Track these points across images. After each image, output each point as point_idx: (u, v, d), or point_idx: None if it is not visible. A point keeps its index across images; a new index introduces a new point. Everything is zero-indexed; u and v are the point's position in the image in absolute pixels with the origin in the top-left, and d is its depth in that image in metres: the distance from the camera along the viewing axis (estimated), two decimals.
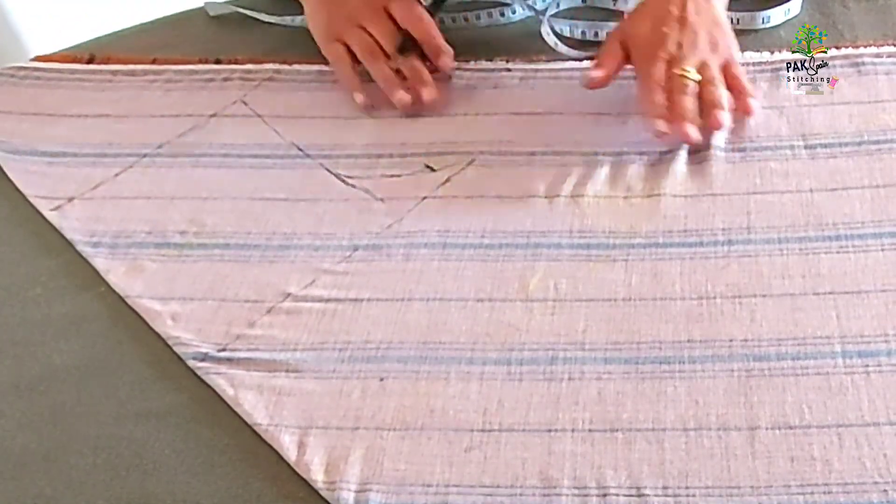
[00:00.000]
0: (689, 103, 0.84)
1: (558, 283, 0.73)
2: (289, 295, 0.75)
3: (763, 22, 0.96)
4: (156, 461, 0.65)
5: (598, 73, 0.89)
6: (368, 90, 0.92)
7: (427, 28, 0.93)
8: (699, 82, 0.85)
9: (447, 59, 0.93)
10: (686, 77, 0.85)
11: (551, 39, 0.97)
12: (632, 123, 0.87)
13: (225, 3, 1.11)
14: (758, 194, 0.78)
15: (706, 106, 0.84)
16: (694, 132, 0.83)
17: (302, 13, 1.06)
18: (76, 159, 0.91)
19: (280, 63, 1.00)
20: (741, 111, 0.85)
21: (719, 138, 0.84)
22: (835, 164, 0.80)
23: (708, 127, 0.83)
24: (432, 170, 0.85)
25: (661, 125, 0.83)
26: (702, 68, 0.86)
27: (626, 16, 0.98)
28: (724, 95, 0.85)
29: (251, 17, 1.08)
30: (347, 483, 0.62)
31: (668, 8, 0.89)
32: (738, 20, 0.95)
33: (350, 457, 0.64)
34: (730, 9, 0.95)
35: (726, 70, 0.87)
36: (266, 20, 1.07)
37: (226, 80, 0.98)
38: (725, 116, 0.83)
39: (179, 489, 0.63)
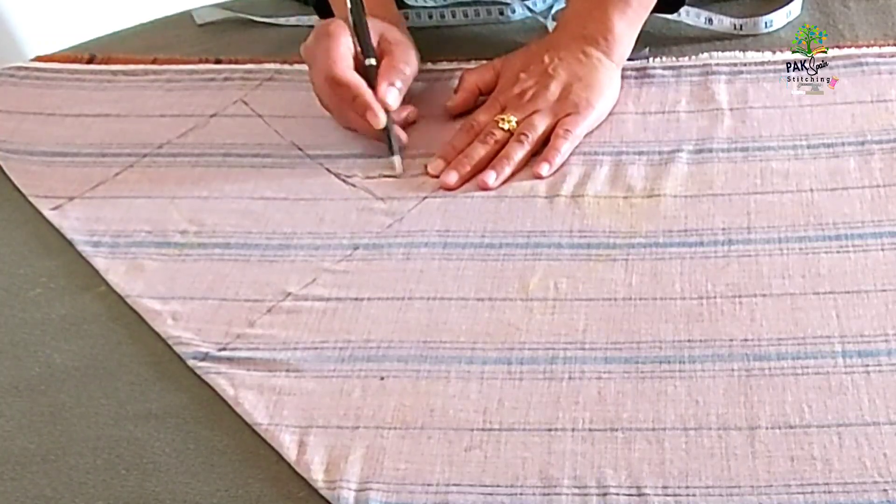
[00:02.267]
0: (478, 153, 0.84)
1: (558, 282, 0.73)
2: (289, 294, 0.75)
3: (766, 26, 0.96)
4: (156, 461, 0.65)
5: (455, 101, 0.90)
6: None
7: (351, 94, 0.86)
8: (512, 132, 0.85)
9: (373, 116, 0.84)
10: (499, 125, 0.85)
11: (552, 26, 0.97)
12: (632, 123, 0.87)
13: (213, 7, 1.11)
14: (758, 194, 0.78)
15: (495, 160, 0.84)
16: (453, 179, 0.83)
17: (297, 13, 1.06)
18: (76, 159, 0.91)
19: (280, 63, 1.00)
20: (532, 170, 0.83)
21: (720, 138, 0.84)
22: (835, 164, 0.80)
23: (478, 179, 0.83)
24: None
25: (436, 167, 0.84)
26: (526, 120, 0.85)
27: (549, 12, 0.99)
28: (518, 152, 0.83)
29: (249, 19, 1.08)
30: (348, 482, 0.62)
31: (543, 55, 0.89)
32: (740, 26, 0.96)
33: (350, 456, 0.64)
34: (732, 15, 0.96)
35: (558, 125, 0.85)
36: (259, 20, 1.07)
37: (226, 80, 0.98)
38: (491, 178, 0.82)
39: (179, 489, 0.63)
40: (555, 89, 0.86)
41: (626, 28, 0.89)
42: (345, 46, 0.87)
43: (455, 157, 0.85)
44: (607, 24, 0.88)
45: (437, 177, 0.84)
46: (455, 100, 0.90)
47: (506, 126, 0.85)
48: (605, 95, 0.87)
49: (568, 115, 0.85)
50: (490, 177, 0.82)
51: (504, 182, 0.83)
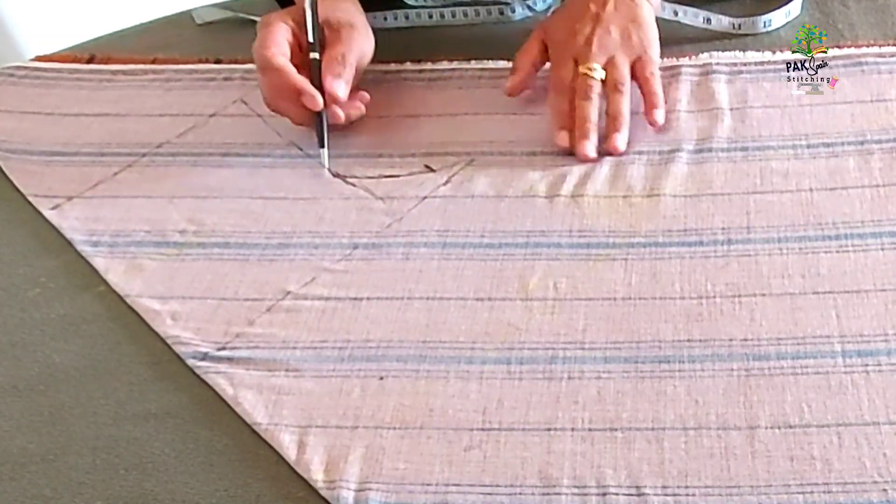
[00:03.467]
0: (591, 111, 0.85)
1: (558, 282, 0.73)
2: (288, 293, 0.75)
3: (765, 26, 0.95)
4: (155, 462, 0.65)
5: (513, 80, 0.90)
6: None
7: (281, 80, 0.85)
8: (605, 81, 0.86)
9: (310, 99, 0.84)
10: (589, 76, 0.86)
11: None
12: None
13: (212, 7, 1.11)
14: (757, 194, 0.78)
15: (608, 120, 0.85)
16: (591, 151, 0.83)
17: None
18: (76, 158, 0.91)
19: None
20: (647, 120, 0.85)
21: (720, 139, 0.84)
22: (835, 164, 0.80)
23: (606, 147, 0.84)
24: (432, 170, 0.85)
25: (562, 139, 0.85)
26: (609, 65, 0.86)
27: (549, 12, 0.98)
28: (625, 105, 0.85)
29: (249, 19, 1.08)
30: (347, 482, 0.62)
31: (588, 4, 0.89)
32: (739, 25, 0.95)
33: (350, 456, 0.64)
34: (731, 14, 0.96)
35: (638, 69, 0.87)
36: (258, 20, 1.07)
37: (226, 79, 0.98)
38: (622, 142, 0.83)
39: (179, 489, 0.63)
40: (615, 33, 0.87)
41: None
42: (280, 35, 0.86)
43: (569, 121, 0.85)
44: None
45: (568, 148, 0.84)
46: (513, 80, 0.90)
47: (597, 76, 0.85)
48: (656, 39, 0.89)
49: (638, 57, 0.87)
50: (620, 141, 0.84)
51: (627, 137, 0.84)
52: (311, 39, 0.87)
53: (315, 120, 0.86)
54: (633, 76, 0.87)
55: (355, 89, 0.88)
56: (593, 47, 0.87)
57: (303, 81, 0.85)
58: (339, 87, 0.85)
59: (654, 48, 0.88)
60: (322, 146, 0.86)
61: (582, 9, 0.89)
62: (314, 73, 0.86)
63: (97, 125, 0.94)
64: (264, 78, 0.86)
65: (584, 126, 0.84)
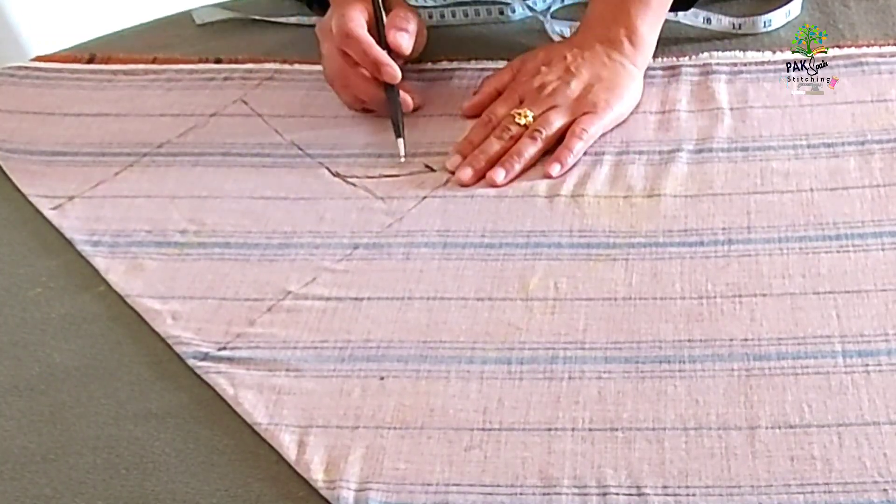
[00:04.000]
0: (492, 148, 0.84)
1: (558, 282, 0.73)
2: (289, 293, 0.75)
3: (765, 26, 0.95)
4: (155, 461, 0.65)
5: (471, 102, 0.90)
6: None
7: (362, 48, 0.87)
8: (528, 127, 0.85)
9: (388, 70, 0.87)
10: (515, 119, 0.85)
11: (554, 32, 0.97)
12: (632, 123, 0.87)
13: (212, 7, 1.11)
14: (758, 194, 0.78)
15: (506, 155, 0.84)
16: (466, 178, 0.83)
17: (297, 13, 1.06)
18: (76, 158, 0.91)
19: (280, 63, 1.00)
20: (546, 167, 0.83)
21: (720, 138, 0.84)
22: (835, 164, 0.80)
23: (485, 178, 0.83)
24: (432, 170, 0.85)
25: (453, 162, 0.84)
26: (542, 116, 0.85)
27: (549, 12, 0.99)
28: (528, 150, 0.83)
29: (249, 18, 1.08)
30: (347, 482, 0.62)
31: (565, 53, 0.88)
32: (739, 26, 0.95)
33: (350, 456, 0.64)
34: (730, 14, 0.96)
35: (574, 124, 0.85)
36: (258, 18, 1.07)
37: (226, 79, 0.98)
38: (500, 175, 0.82)
39: (179, 489, 0.63)
40: (575, 87, 0.86)
41: (649, 31, 0.89)
42: (358, 10, 0.87)
43: (470, 151, 0.85)
44: (630, 27, 0.88)
45: (454, 173, 0.84)
46: (472, 101, 0.90)
47: (522, 121, 0.85)
48: (625, 99, 0.87)
49: (585, 113, 0.85)
50: (499, 174, 0.82)
51: (513, 179, 0.83)
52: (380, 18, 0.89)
53: (388, 105, 0.87)
54: (566, 128, 0.85)
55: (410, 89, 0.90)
56: (542, 94, 0.86)
57: (383, 54, 0.86)
58: (403, 38, 0.87)
59: (611, 109, 0.85)
60: (399, 135, 0.86)
61: (559, 55, 0.89)
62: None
63: (97, 125, 0.94)
64: (342, 49, 0.87)
65: (477, 156, 0.84)
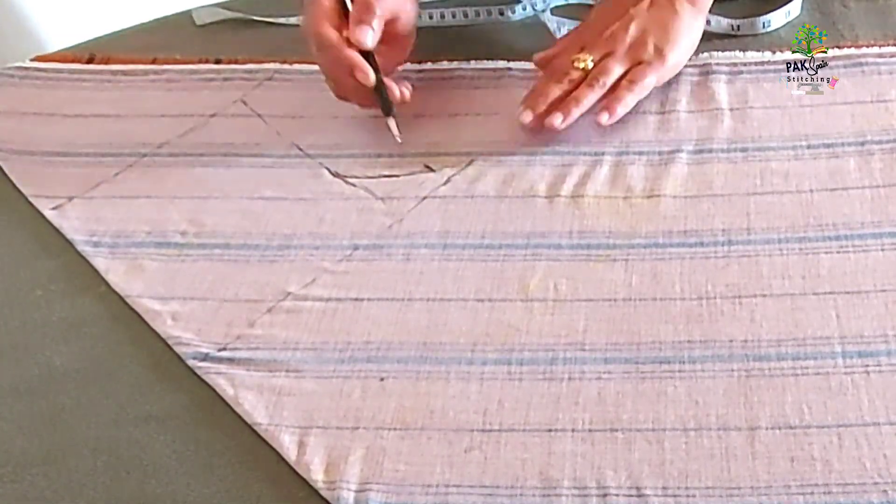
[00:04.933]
0: (552, 91, 0.85)
1: (558, 283, 0.73)
2: (289, 294, 0.75)
3: (764, 27, 0.95)
4: (155, 463, 0.65)
5: (539, 55, 0.89)
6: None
7: (332, 53, 0.85)
8: (587, 72, 0.85)
9: (360, 74, 0.84)
10: (575, 65, 0.85)
11: (552, 25, 0.97)
12: (632, 123, 0.87)
13: (212, 7, 1.11)
14: (758, 194, 0.78)
15: (566, 100, 0.84)
16: (526, 118, 0.84)
17: (297, 13, 1.06)
18: (76, 159, 0.91)
19: (280, 63, 1.00)
20: (596, 114, 0.84)
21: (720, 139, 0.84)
22: (835, 165, 0.80)
23: (545, 122, 0.84)
24: (432, 170, 0.85)
25: (524, 116, 0.85)
26: (601, 62, 0.85)
27: (548, 12, 0.99)
28: (587, 98, 0.84)
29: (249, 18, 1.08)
30: (347, 483, 0.62)
31: (627, 2, 0.88)
32: (738, 27, 0.95)
33: (350, 457, 0.64)
34: (730, 15, 0.95)
35: (630, 73, 0.85)
36: (259, 20, 1.07)
37: (226, 80, 0.98)
38: (558, 120, 0.83)
39: (179, 491, 0.63)
40: (633, 31, 0.86)
41: None
42: (327, 6, 0.85)
43: (533, 100, 0.85)
44: None
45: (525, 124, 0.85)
46: (545, 52, 0.91)
47: (581, 66, 0.85)
48: (680, 46, 0.87)
49: (640, 63, 0.85)
50: (557, 119, 0.83)
51: (571, 124, 0.84)
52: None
53: (374, 96, 0.86)
54: (622, 77, 0.86)
55: (400, 80, 0.89)
56: (600, 39, 0.86)
57: (355, 56, 0.84)
58: (363, 32, 0.84)
59: (669, 58, 0.86)
60: (388, 114, 0.86)
61: (621, 3, 0.88)
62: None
63: (97, 125, 0.94)
64: (318, 55, 0.86)
65: (536, 99, 0.85)
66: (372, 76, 0.84)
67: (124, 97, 0.97)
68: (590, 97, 0.84)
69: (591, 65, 0.85)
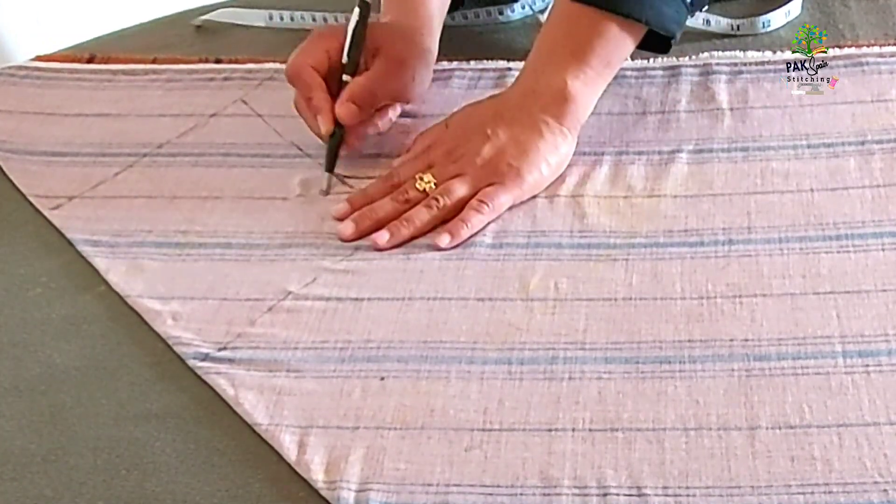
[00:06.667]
0: (383, 211, 0.79)
1: (559, 282, 0.73)
2: (289, 293, 0.75)
3: (763, 27, 0.96)
4: (155, 462, 0.65)
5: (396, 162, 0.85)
6: None
7: (306, 94, 0.86)
8: (428, 193, 0.80)
9: (321, 121, 0.84)
10: (415, 185, 0.80)
11: None
12: (632, 123, 0.87)
13: (208, 8, 1.12)
14: (758, 194, 0.78)
15: (398, 219, 0.79)
16: (347, 232, 0.79)
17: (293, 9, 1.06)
18: (76, 159, 0.91)
19: (280, 63, 0.99)
20: (435, 238, 0.78)
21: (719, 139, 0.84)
22: (836, 164, 0.80)
23: (372, 239, 0.78)
24: None
25: (337, 210, 0.81)
26: (445, 183, 0.80)
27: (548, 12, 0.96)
28: (420, 218, 0.78)
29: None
30: (348, 482, 0.62)
31: (490, 111, 0.83)
32: (738, 27, 0.96)
33: (350, 456, 0.63)
34: (730, 15, 0.96)
35: (481, 194, 0.79)
36: (256, 24, 1.08)
37: (226, 79, 0.98)
38: (383, 238, 0.77)
39: (179, 490, 0.63)
40: (487, 153, 0.80)
41: (582, 87, 0.82)
42: (321, 48, 0.85)
43: (363, 205, 0.81)
44: (564, 84, 0.81)
45: (339, 220, 0.80)
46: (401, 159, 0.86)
47: (422, 186, 0.80)
48: (542, 167, 0.80)
49: (492, 184, 0.79)
50: (382, 237, 0.78)
51: (399, 245, 0.78)
52: (344, 60, 0.86)
53: (329, 142, 0.85)
54: (469, 199, 0.79)
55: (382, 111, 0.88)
56: (450, 159, 0.81)
57: (321, 103, 0.84)
58: (348, 110, 0.84)
59: (521, 180, 0.79)
60: (328, 170, 0.85)
61: (483, 113, 0.83)
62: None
63: (97, 125, 0.94)
64: (293, 85, 0.86)
65: (365, 214, 0.80)
66: (329, 129, 0.84)
67: (124, 97, 0.97)
68: (424, 218, 0.78)
69: (432, 186, 0.80)
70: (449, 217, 0.79)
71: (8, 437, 0.68)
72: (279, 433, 0.65)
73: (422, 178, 0.80)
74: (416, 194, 0.80)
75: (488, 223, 0.79)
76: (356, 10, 0.86)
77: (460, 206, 0.79)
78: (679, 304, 0.71)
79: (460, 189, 0.79)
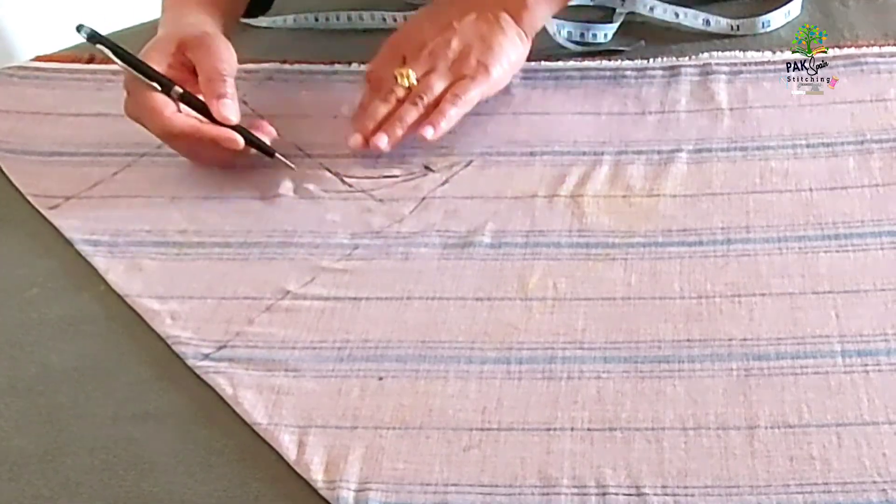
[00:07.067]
0: (379, 111, 0.86)
1: (557, 282, 0.73)
2: (288, 293, 0.75)
3: (763, 27, 0.96)
4: (153, 462, 0.65)
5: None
6: None
7: (194, 141, 0.84)
8: (411, 89, 0.86)
9: (230, 143, 0.83)
10: (398, 82, 0.86)
11: (552, 28, 0.97)
12: (632, 123, 0.87)
13: None
14: (757, 193, 0.78)
15: (390, 119, 0.85)
16: (356, 143, 0.85)
17: (296, 12, 1.06)
18: (74, 158, 0.91)
19: (280, 63, 1.00)
20: (420, 130, 0.84)
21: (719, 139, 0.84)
22: (835, 164, 0.80)
23: (370, 143, 0.84)
24: (432, 170, 0.85)
25: (354, 140, 0.85)
26: (423, 79, 0.86)
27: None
28: (410, 115, 0.85)
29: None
30: (347, 482, 0.62)
31: (450, 7, 0.89)
32: (737, 27, 0.95)
33: (349, 456, 0.63)
34: (730, 15, 0.96)
35: (452, 87, 0.86)
36: (255, 24, 1.07)
37: None
38: (383, 141, 0.84)
39: (177, 489, 0.63)
40: (455, 46, 0.87)
41: (536, 6, 0.89)
42: (157, 96, 0.82)
43: (362, 117, 0.86)
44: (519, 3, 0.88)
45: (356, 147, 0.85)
46: (371, 63, 0.91)
47: (405, 83, 0.86)
48: (503, 62, 0.87)
49: (464, 77, 0.86)
50: (382, 140, 0.84)
51: (396, 143, 0.84)
52: (155, 85, 0.83)
53: (249, 145, 0.84)
54: (444, 91, 0.86)
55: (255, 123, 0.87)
56: (422, 54, 0.87)
57: (217, 130, 0.83)
58: (227, 107, 0.83)
59: (493, 72, 0.87)
60: (272, 155, 0.85)
61: (444, 9, 0.89)
62: (193, 105, 0.83)
63: (96, 125, 0.94)
64: (174, 143, 0.85)
65: (363, 121, 0.86)
66: (241, 139, 0.83)
67: (124, 97, 0.97)
68: (413, 115, 0.85)
69: (414, 81, 0.86)
70: (429, 110, 0.85)
71: (5, 436, 0.67)
72: (278, 433, 0.65)
73: (402, 75, 0.86)
74: (402, 92, 0.86)
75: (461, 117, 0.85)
76: (103, 49, 0.85)
77: (439, 100, 0.85)
78: (678, 303, 0.70)
79: (438, 84, 0.86)
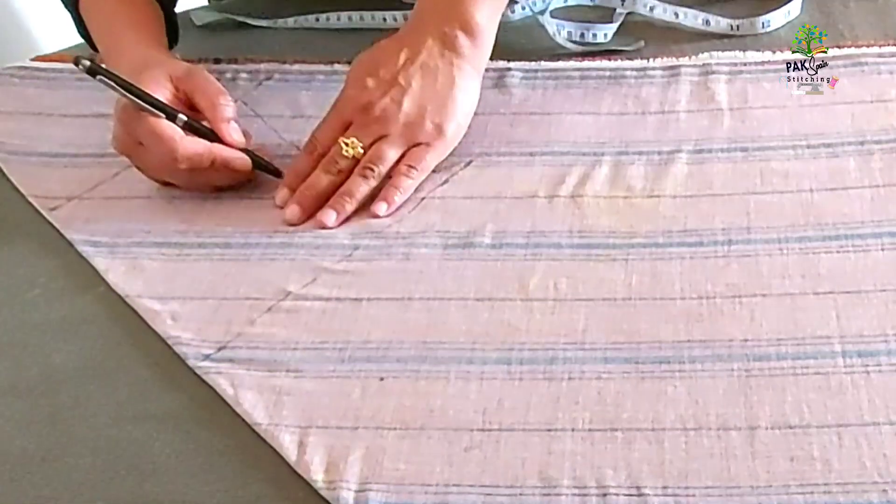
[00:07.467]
0: (322, 184, 0.80)
1: (558, 282, 0.73)
2: (289, 293, 0.75)
3: (763, 27, 0.96)
4: (154, 463, 0.65)
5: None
6: None
7: (208, 165, 0.82)
8: (358, 159, 0.81)
9: (240, 166, 0.83)
10: (343, 153, 0.81)
11: (552, 28, 0.97)
12: (632, 123, 0.87)
13: (208, 8, 1.12)
14: (757, 194, 0.78)
15: (336, 194, 0.80)
16: (294, 217, 0.80)
17: (296, 13, 1.06)
18: (76, 159, 0.91)
19: (280, 63, 1.00)
20: (373, 206, 0.80)
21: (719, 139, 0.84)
22: (835, 164, 0.80)
23: (315, 219, 0.80)
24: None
25: (282, 197, 0.81)
26: (373, 149, 0.80)
27: (547, 12, 0.96)
28: (360, 190, 0.80)
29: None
30: (347, 483, 0.62)
31: (397, 55, 0.82)
32: (737, 27, 0.95)
33: (350, 456, 0.63)
34: (730, 15, 0.96)
35: (405, 157, 0.81)
36: (255, 24, 1.08)
37: (226, 80, 0.98)
38: (331, 218, 0.79)
39: (178, 491, 0.63)
40: (408, 108, 0.81)
41: (488, 23, 0.84)
42: (165, 123, 0.81)
43: (299, 184, 0.81)
44: (467, 20, 0.83)
45: (282, 208, 0.81)
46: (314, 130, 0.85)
47: (350, 153, 0.81)
48: (458, 117, 0.82)
49: (417, 144, 0.81)
50: (329, 217, 0.79)
51: (346, 220, 0.80)
52: (159, 114, 0.81)
53: (255, 169, 0.84)
54: (398, 161, 0.81)
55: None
56: (371, 117, 0.81)
57: (226, 152, 0.82)
58: (236, 132, 0.83)
59: (444, 137, 0.82)
60: (280, 175, 0.84)
61: (390, 57, 0.82)
62: (200, 132, 0.82)
63: (97, 126, 0.94)
64: (179, 174, 0.82)
65: (304, 193, 0.81)
66: (248, 160, 0.83)
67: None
68: (363, 189, 0.80)
69: (360, 151, 0.81)
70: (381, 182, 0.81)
71: (6, 437, 0.67)
72: (279, 433, 0.65)
73: (348, 144, 0.81)
74: (347, 163, 0.81)
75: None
76: (105, 80, 0.83)
77: (393, 168, 0.81)
78: (678, 304, 0.71)
79: (390, 153, 0.81)
